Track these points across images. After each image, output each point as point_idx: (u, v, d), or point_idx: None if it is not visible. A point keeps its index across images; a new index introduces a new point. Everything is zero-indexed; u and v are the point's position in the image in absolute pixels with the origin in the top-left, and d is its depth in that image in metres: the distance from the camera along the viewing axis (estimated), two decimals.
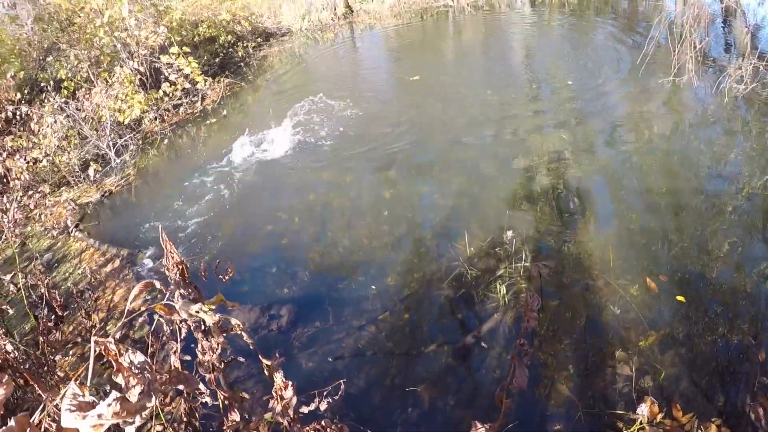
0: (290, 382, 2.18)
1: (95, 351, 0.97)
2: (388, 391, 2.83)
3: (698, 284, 3.25)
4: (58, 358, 3.14)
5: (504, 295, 3.21)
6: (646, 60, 6.09)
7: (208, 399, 1.98)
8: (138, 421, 0.96)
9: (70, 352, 3.30)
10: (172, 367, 1.94)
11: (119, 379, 0.97)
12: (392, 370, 2.93)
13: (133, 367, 0.97)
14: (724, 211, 3.81)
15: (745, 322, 3.00)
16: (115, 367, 0.98)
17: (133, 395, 0.96)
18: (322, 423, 2.31)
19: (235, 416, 2.31)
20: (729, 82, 5.40)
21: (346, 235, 4.09)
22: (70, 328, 3.50)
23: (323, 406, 2.20)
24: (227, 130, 6.66)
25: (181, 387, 1.44)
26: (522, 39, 8.88)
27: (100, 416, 0.91)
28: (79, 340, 3.32)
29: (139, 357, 0.99)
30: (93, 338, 0.95)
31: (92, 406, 0.92)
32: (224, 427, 2.31)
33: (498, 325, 3.07)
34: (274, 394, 2.30)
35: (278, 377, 2.17)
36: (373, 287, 3.49)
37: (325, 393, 2.26)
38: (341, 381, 2.32)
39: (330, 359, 3.03)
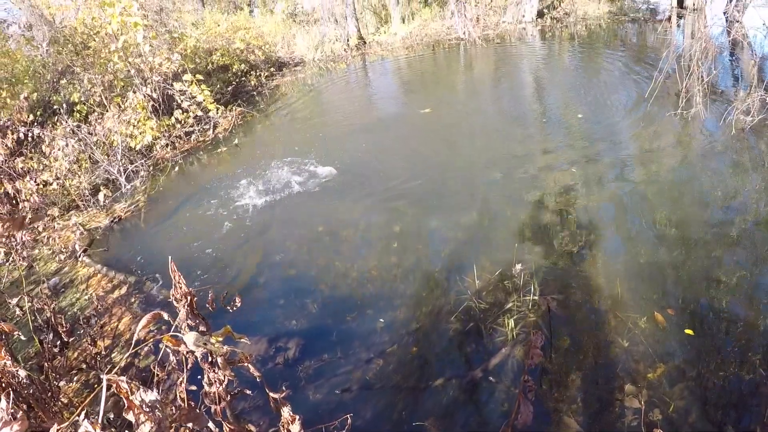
0: (297, 416, 2.14)
1: (107, 388, 0.95)
2: (396, 425, 2.78)
3: (707, 317, 3.21)
4: (62, 384, 3.11)
5: (512, 329, 3.17)
6: (654, 93, 6.14)
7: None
8: None
9: (74, 379, 3.27)
10: (179, 401, 1.91)
11: (130, 416, 0.95)
12: (400, 404, 2.88)
13: (144, 406, 0.96)
14: (732, 243, 3.79)
15: (755, 355, 2.95)
16: (126, 405, 0.96)
17: None
18: None
19: None
20: (736, 114, 5.43)
21: (354, 268, 4.07)
22: (75, 354, 3.47)
23: None
24: (238, 159, 6.71)
25: (190, 425, 1.41)
26: (532, 72, 8.99)
27: None
28: (84, 366, 3.28)
29: (150, 395, 0.98)
30: (105, 376, 0.94)
31: None
32: None
33: (506, 360, 3.02)
34: (281, 428, 2.26)
35: (285, 411, 2.14)
36: (381, 320, 3.46)
37: (332, 428, 2.22)
38: (348, 416, 2.28)
39: (337, 392, 2.99)
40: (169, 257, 1.97)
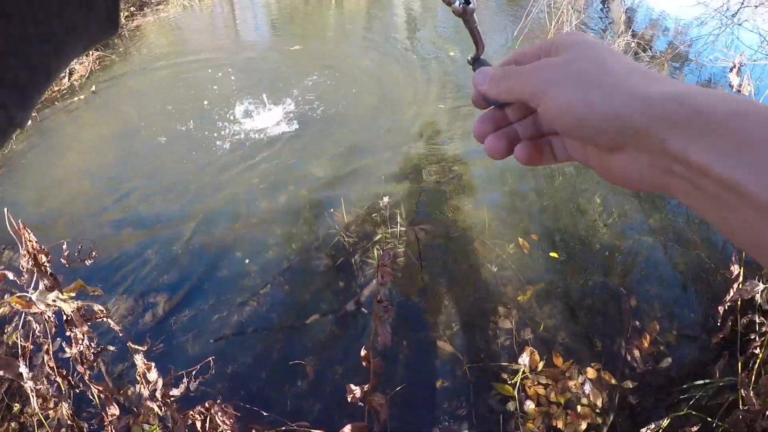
0: (152, 364, 2.04)
1: None
2: (274, 366, 2.76)
3: (570, 241, 3.48)
4: None
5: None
6: (523, 32, 6.34)
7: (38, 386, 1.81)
8: None
9: None
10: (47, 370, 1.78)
11: None
12: (277, 345, 2.85)
13: None
14: (591, 174, 4.09)
15: (614, 273, 3.25)
16: None
17: None
18: (206, 405, 2.20)
19: (114, 410, 2.14)
20: None
21: (223, 212, 3.87)
22: None
23: (183, 388, 2.07)
24: (95, 107, 6.09)
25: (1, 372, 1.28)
26: (407, 10, 8.89)
27: None
28: None
29: None
30: None
31: None
32: (104, 423, 2.14)
33: (378, 290, 3.09)
34: (138, 378, 2.16)
35: (139, 360, 2.02)
36: (252, 262, 3.37)
37: (194, 372, 2.14)
38: (210, 359, 2.22)
39: (211, 340, 2.89)
40: (19, 218, 1.71)
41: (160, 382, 2.09)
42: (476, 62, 0.52)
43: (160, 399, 2.14)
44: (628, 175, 0.37)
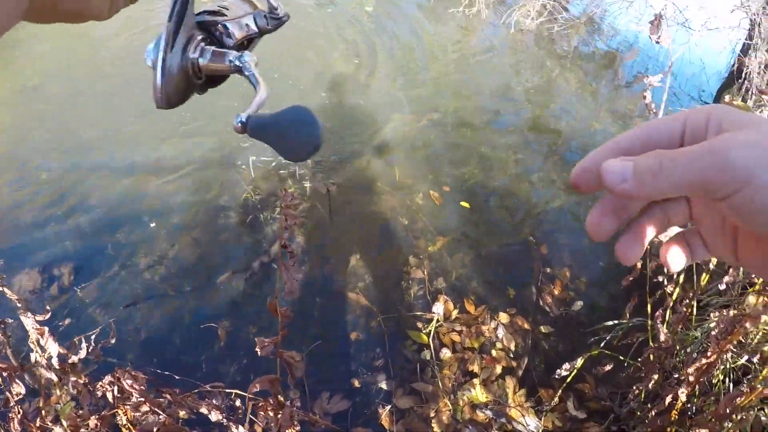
0: (46, 329, 1.92)
1: None
2: (187, 330, 2.68)
3: (481, 192, 3.56)
4: None
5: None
6: None
7: None
8: None
9: None
10: None
11: None
12: (189, 308, 2.77)
13: None
14: (501, 126, 4.19)
15: (525, 222, 3.36)
16: None
17: None
18: (116, 374, 2.10)
19: (19, 388, 2.00)
20: (516, 16, 5.82)
21: (125, 175, 3.64)
22: None
23: (83, 353, 1.98)
24: None
25: None
26: None
27: None
28: None
29: None
30: None
31: None
32: (7, 404, 2.01)
33: (281, 234, 3.06)
34: (31, 345, 2.03)
35: (29, 325, 1.91)
36: (158, 225, 3.23)
37: (92, 336, 2.04)
38: (111, 320, 2.13)
39: (121, 308, 2.77)
40: None
41: (56, 349, 1.98)
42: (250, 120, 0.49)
43: (57, 367, 2.03)
44: None
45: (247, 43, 0.56)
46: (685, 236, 0.40)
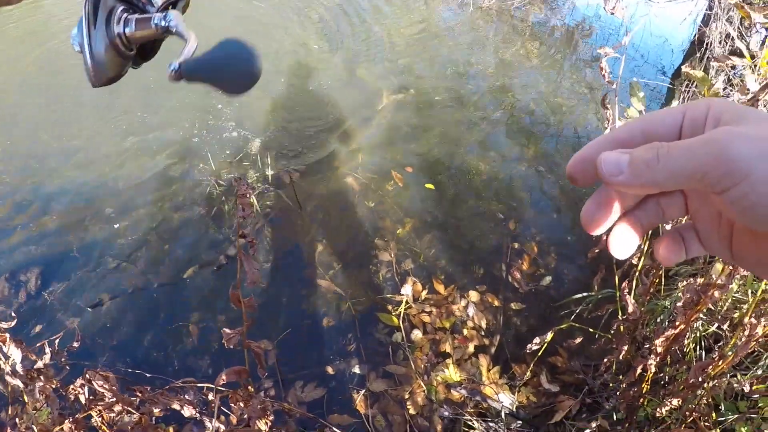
0: (7, 335, 1.90)
1: None
2: (158, 329, 2.67)
3: (445, 171, 3.57)
4: None
5: (255, 204, 3.17)
6: None
7: None
8: None
9: None
10: None
11: None
12: (159, 305, 2.75)
13: None
14: (465, 105, 4.20)
15: (491, 200, 3.38)
16: None
17: None
18: (86, 376, 2.08)
19: None
20: None
21: (86, 175, 3.56)
22: None
23: (48, 358, 1.96)
24: None
25: None
26: None
27: None
28: None
29: None
30: None
31: None
32: None
33: (256, 233, 3.05)
34: None
35: None
36: (124, 223, 3.19)
37: (56, 340, 2.02)
38: (75, 324, 2.11)
39: (89, 309, 2.73)
40: None
41: (19, 355, 1.95)
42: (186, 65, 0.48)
43: (23, 373, 2.00)
44: None
45: (173, 6, 0.55)
46: (679, 231, 0.39)
